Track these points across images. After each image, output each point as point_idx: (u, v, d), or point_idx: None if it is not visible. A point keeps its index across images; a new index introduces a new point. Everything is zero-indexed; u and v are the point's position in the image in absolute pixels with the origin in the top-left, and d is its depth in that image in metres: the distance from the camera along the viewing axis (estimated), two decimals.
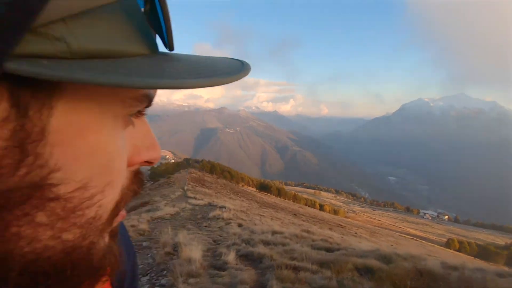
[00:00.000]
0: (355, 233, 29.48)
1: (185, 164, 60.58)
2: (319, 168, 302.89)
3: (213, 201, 17.38)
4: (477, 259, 47.84)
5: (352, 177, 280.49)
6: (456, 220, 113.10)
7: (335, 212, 73.40)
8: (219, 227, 8.10)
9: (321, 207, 70.40)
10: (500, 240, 72.37)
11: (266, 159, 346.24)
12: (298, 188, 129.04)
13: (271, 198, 50.35)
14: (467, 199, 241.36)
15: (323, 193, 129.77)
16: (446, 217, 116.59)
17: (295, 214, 30.46)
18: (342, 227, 31.50)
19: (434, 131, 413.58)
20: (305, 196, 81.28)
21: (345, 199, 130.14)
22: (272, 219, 17.56)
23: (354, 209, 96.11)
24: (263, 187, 63.01)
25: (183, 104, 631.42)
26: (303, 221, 25.93)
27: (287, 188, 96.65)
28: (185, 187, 24.97)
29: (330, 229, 25.13)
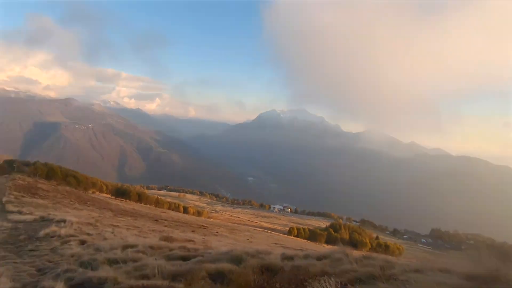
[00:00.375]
0: (217, 232, 30.90)
1: (6, 167, 46.16)
2: (185, 170, 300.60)
3: (49, 214, 14.21)
4: (309, 241, 60.35)
5: (216, 178, 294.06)
6: (295, 211, 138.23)
7: (199, 213, 74.64)
8: (51, 249, 6.51)
9: (185, 210, 69.86)
10: (323, 224, 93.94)
11: (125, 161, 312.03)
12: (162, 192, 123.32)
13: (129, 205, 45.69)
14: (304, 192, 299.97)
15: (188, 195, 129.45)
16: (289, 209, 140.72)
17: (156, 220, 28.82)
18: (205, 228, 32.30)
19: (283, 137, 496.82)
20: (168, 199, 78.39)
21: (209, 200, 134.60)
22: (128, 229, 15.88)
23: (216, 209, 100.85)
24: (121, 193, 56.28)
25: (7, 89, 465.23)
26: (165, 226, 24.89)
27: (149, 192, 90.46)
28: (4, 199, 19.20)
29: (193, 231, 25.23)
